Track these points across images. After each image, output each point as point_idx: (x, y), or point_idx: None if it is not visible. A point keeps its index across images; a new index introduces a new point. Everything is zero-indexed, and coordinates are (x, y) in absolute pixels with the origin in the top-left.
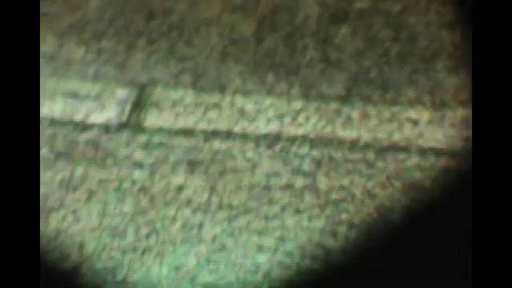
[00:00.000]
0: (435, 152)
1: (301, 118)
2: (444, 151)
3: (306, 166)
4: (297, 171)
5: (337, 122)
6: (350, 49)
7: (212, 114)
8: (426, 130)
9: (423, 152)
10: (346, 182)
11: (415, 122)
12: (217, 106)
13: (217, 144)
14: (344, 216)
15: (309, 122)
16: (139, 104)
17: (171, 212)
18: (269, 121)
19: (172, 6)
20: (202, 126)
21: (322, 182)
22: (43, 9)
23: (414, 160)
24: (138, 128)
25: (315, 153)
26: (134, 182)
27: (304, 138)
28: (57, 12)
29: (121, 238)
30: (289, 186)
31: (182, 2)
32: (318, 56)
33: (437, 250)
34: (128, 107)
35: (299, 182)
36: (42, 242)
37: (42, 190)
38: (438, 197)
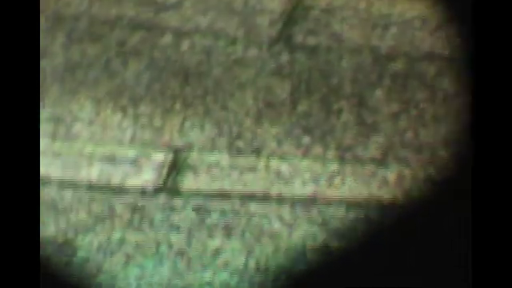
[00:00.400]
0: None
1: (336, 181)
2: None
3: (343, 228)
4: (333, 234)
5: (373, 184)
6: (386, 111)
7: (248, 177)
8: None
9: None
10: None
11: None
12: (252, 168)
13: (253, 207)
14: None
15: (344, 184)
16: (175, 167)
17: (208, 276)
18: (304, 183)
19: (207, 70)
20: (238, 188)
21: None
22: (81, 76)
23: None
24: (175, 191)
25: (351, 215)
26: (170, 246)
27: (340, 201)
28: (95, 79)
29: None
30: (325, 248)
31: (216, 66)
32: (354, 118)
33: None
34: (164, 171)
35: (336, 244)
36: None
37: (81, 254)
38: None
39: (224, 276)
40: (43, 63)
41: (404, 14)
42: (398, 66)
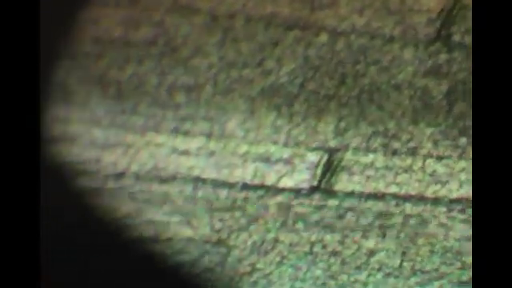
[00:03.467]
0: None
1: None
2: None
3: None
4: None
5: None
6: None
7: (403, 178)
8: None
9: None
10: None
11: None
12: (408, 169)
13: (408, 208)
14: None
15: None
16: (330, 168)
17: (362, 277)
18: (461, 185)
19: (363, 70)
20: (393, 190)
21: None
22: (235, 74)
23: None
24: (329, 192)
25: None
26: (324, 246)
27: None
28: (248, 77)
29: None
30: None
31: (373, 66)
32: None
33: None
34: (319, 171)
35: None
36: None
37: (235, 252)
38: None
39: (378, 277)
40: (196, 62)
41: None
42: None
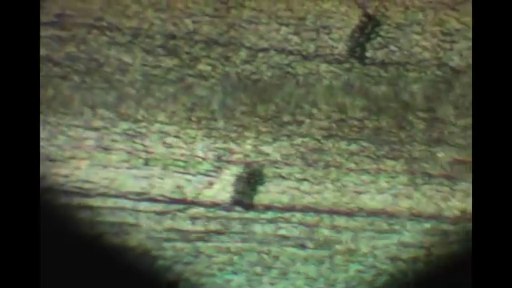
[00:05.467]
0: None
1: None
2: None
3: None
4: None
5: None
6: None
7: (319, 189)
8: None
9: None
10: None
11: None
12: (322, 182)
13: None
14: None
15: None
16: (249, 181)
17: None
18: (374, 197)
19: (281, 86)
20: (309, 200)
21: None
22: (156, 89)
23: None
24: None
25: None
26: (243, 256)
27: None
28: (170, 92)
29: None
30: None
31: (290, 82)
32: None
33: None
34: (239, 185)
35: None
36: None
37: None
38: None
39: (299, 284)
40: (119, 79)
41: None
42: None
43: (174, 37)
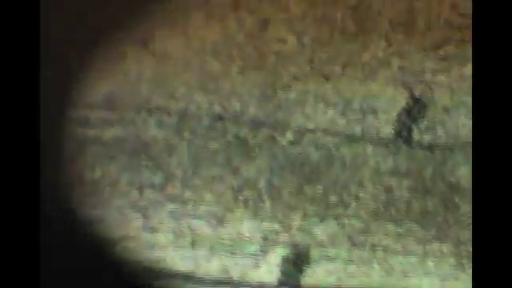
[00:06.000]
0: None
1: None
2: None
3: None
4: None
5: None
6: None
7: (364, 270)
8: None
9: None
10: None
11: None
12: (368, 262)
13: None
14: None
15: None
16: (296, 262)
17: None
18: (422, 279)
19: (328, 167)
20: (355, 282)
21: None
22: (204, 171)
23: None
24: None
25: None
26: None
27: None
28: (217, 174)
29: None
30: None
31: (336, 163)
32: None
33: None
34: (286, 266)
35: None
36: None
37: None
38: None
39: None
40: (166, 160)
41: None
42: None
43: (221, 118)
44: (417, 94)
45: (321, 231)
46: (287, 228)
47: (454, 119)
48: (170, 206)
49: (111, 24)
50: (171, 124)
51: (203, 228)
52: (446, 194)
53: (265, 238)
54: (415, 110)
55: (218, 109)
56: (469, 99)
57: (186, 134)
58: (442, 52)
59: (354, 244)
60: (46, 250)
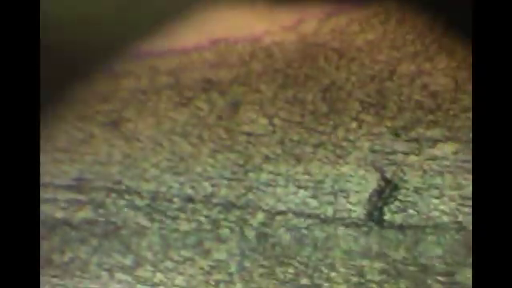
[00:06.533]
0: None
1: None
2: None
3: None
4: None
5: None
6: None
7: None
8: None
9: None
10: None
11: None
12: None
13: None
14: None
15: None
16: None
17: None
18: None
19: (299, 249)
20: None
21: None
22: (174, 253)
23: None
24: None
25: None
26: None
27: None
28: (188, 256)
29: None
30: None
31: (308, 246)
32: None
33: None
34: None
35: None
36: None
37: None
38: None
39: None
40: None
41: None
42: None
43: (191, 200)
44: (388, 175)
45: None
46: None
47: (426, 200)
48: None
49: (80, 103)
50: (142, 206)
51: None
52: (418, 276)
53: None
54: (386, 191)
55: (188, 191)
56: (440, 180)
57: (157, 216)
58: (413, 133)
59: None
60: None
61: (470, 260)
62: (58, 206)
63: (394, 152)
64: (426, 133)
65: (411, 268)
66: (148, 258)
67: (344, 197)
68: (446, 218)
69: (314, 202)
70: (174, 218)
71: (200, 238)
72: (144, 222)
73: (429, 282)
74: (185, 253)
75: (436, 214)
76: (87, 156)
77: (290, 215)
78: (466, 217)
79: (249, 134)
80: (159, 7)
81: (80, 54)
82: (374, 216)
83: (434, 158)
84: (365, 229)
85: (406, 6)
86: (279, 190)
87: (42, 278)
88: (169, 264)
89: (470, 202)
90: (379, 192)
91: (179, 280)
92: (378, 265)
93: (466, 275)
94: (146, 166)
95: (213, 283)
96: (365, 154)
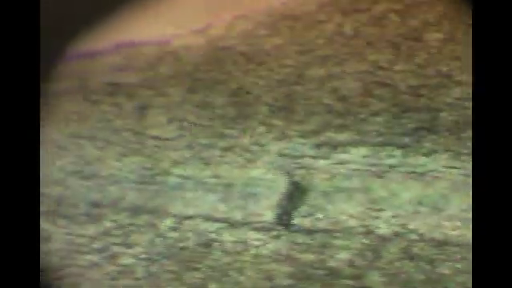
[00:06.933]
0: None
1: None
2: None
3: None
4: None
5: None
6: None
7: None
8: None
9: None
10: None
11: None
12: None
13: None
14: None
15: None
16: None
17: None
18: None
19: (208, 254)
20: None
21: None
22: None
23: None
24: None
25: None
26: None
27: None
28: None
29: None
30: None
31: (217, 249)
32: None
33: None
34: None
35: None
36: None
37: None
38: None
39: None
40: None
41: None
42: None
43: (98, 205)
44: (297, 179)
45: None
46: None
47: (334, 204)
48: None
49: None
50: (46, 211)
51: None
52: (326, 279)
53: None
54: (295, 195)
55: (95, 195)
56: (348, 184)
57: (62, 222)
58: (322, 137)
59: None
60: None
61: (378, 263)
62: None
63: (303, 156)
64: (335, 137)
65: (319, 272)
66: (53, 263)
67: (253, 201)
68: (354, 222)
69: (222, 207)
70: (80, 223)
71: (106, 243)
72: (48, 226)
73: (337, 285)
74: (91, 258)
75: (344, 217)
76: None
77: (199, 220)
78: (373, 221)
79: (157, 138)
80: (64, 11)
81: None
82: (283, 220)
83: (342, 162)
84: (274, 233)
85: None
86: (188, 194)
87: None
88: (73, 269)
89: (378, 206)
90: (288, 196)
91: (85, 286)
92: (286, 269)
93: (374, 279)
94: (51, 170)
95: None
96: (274, 158)
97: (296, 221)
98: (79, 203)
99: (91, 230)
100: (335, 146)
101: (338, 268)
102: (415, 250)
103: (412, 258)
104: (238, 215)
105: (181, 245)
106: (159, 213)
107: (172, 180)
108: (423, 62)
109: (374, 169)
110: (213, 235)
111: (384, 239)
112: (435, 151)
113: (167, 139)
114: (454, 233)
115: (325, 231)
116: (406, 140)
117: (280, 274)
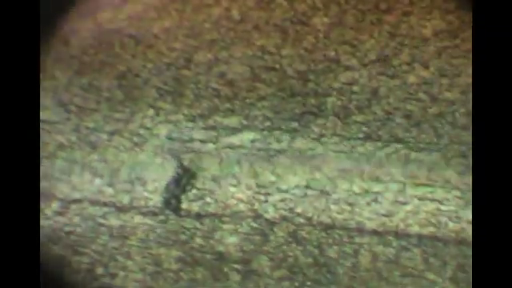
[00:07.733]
0: None
1: None
2: None
3: None
4: None
5: None
6: None
7: None
8: None
9: None
10: None
11: None
12: None
13: None
14: None
15: None
16: None
17: None
18: None
19: (95, 238)
20: None
21: None
22: None
23: None
24: None
25: None
26: None
27: None
28: None
29: None
30: None
31: (104, 235)
32: None
33: None
34: None
35: None
36: None
37: None
38: None
39: None
40: None
41: None
42: None
43: None
44: (185, 163)
45: None
46: None
47: (223, 188)
48: None
49: None
50: None
51: None
52: (214, 264)
53: None
54: (184, 179)
55: None
56: (237, 169)
57: None
58: (210, 121)
59: None
60: None
61: (266, 248)
62: None
63: (192, 140)
64: (223, 121)
65: (208, 256)
66: None
67: (141, 185)
68: (242, 207)
69: (109, 190)
70: None
71: None
72: None
73: (225, 269)
74: None
75: (233, 202)
76: None
77: (86, 203)
78: (262, 205)
79: (43, 121)
80: None
81: None
82: (172, 204)
83: (231, 147)
84: (162, 217)
85: None
86: (74, 178)
87: None
88: None
89: (266, 190)
90: (177, 180)
91: None
92: (174, 253)
93: (262, 263)
94: None
95: None
96: (162, 142)
97: (184, 205)
98: None
99: None
100: (223, 130)
101: (227, 252)
102: (303, 233)
103: (299, 241)
104: (125, 199)
105: (67, 229)
106: (45, 197)
107: (58, 163)
108: (311, 46)
109: (262, 153)
110: (100, 219)
111: (272, 223)
112: (323, 135)
113: (53, 122)
114: (341, 216)
115: (213, 215)
116: (294, 124)
117: (168, 259)
